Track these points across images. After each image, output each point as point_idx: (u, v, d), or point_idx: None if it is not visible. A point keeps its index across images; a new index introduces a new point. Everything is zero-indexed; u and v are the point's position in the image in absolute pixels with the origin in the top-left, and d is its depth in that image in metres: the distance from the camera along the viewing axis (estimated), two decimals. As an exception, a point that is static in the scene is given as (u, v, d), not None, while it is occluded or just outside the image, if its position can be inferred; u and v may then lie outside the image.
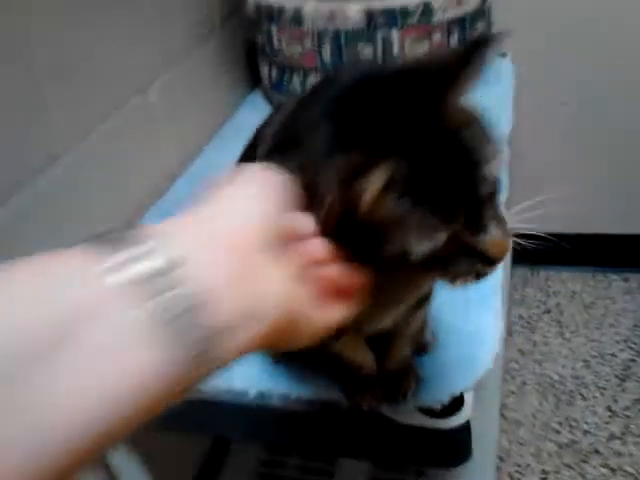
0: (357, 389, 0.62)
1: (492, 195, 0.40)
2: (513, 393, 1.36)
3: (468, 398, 0.63)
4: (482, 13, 1.16)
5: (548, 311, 1.56)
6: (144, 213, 0.96)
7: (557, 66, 1.39)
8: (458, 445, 0.63)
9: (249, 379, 0.67)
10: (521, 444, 1.25)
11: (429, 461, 0.64)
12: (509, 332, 1.49)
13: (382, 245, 0.38)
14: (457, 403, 0.62)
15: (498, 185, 0.41)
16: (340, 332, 0.53)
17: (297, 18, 1.08)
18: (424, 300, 0.57)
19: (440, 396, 0.62)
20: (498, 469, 1.21)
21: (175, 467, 1.12)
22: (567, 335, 1.48)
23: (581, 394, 1.33)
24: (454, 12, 1.10)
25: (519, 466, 1.22)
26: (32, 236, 0.74)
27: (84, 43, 0.84)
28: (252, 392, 0.66)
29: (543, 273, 1.67)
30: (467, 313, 0.70)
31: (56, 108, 0.79)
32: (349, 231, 0.38)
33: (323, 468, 1.14)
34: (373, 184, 0.35)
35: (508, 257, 1.56)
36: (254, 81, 1.31)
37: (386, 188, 0.36)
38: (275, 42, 1.14)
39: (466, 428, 0.62)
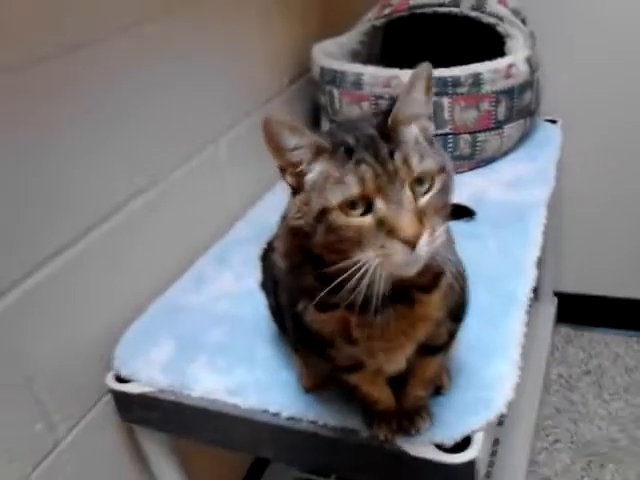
0: (375, 420, 0.69)
1: (418, 184, 0.50)
2: (545, 449, 1.38)
3: (477, 438, 0.69)
4: (530, 84, 1.24)
5: (589, 372, 1.57)
6: (209, 249, 1.09)
7: (605, 132, 1.45)
8: (463, 480, 0.69)
9: (283, 403, 0.76)
10: (548, 500, 1.27)
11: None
12: (547, 390, 1.51)
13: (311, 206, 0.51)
14: (467, 442, 0.69)
15: (432, 184, 0.51)
16: (351, 367, 0.62)
17: (357, 83, 1.20)
18: (436, 349, 0.66)
19: (453, 433, 0.69)
20: (523, 523, 1.23)
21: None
22: (606, 397, 1.49)
23: (613, 457, 1.34)
24: (503, 83, 1.19)
25: (545, 522, 1.24)
26: (122, 252, 0.92)
27: (169, 102, 0.99)
28: (284, 415, 0.75)
29: (587, 334, 1.69)
30: (487, 361, 0.77)
31: (141, 149, 0.94)
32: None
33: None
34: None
35: (548, 317, 1.55)
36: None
37: (316, 153, 0.52)
38: (336, 103, 1.26)
39: (472, 466, 0.68)
